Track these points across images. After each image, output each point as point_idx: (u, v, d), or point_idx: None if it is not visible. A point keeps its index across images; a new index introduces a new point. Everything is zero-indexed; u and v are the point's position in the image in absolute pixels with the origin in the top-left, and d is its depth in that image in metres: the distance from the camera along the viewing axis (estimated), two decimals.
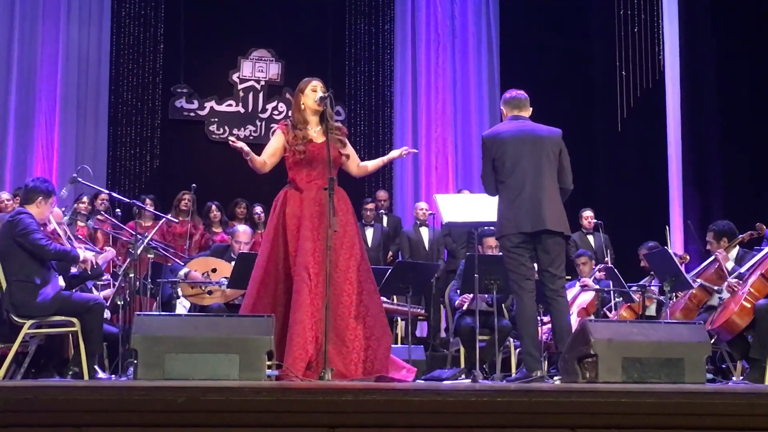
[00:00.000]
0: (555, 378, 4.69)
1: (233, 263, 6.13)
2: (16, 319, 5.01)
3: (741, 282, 5.71)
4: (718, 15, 9.52)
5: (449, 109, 10.89)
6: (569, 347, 4.41)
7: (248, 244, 6.63)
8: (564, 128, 5.00)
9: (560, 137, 4.93)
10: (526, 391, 2.76)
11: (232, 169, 9.71)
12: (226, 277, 6.12)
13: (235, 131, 10.35)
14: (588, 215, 8.57)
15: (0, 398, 2.47)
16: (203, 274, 6.29)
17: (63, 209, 6.37)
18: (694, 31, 9.79)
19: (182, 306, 6.55)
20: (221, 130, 10.43)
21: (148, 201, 8.13)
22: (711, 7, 9.60)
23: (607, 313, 6.90)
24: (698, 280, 6.15)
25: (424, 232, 8.67)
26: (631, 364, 4.15)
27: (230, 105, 10.53)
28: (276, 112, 10.59)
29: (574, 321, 5.72)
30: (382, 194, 9.38)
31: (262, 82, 10.68)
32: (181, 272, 6.27)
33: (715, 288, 6.08)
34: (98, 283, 6.24)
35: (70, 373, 5.09)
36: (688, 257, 7.33)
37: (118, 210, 7.39)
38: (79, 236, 6.68)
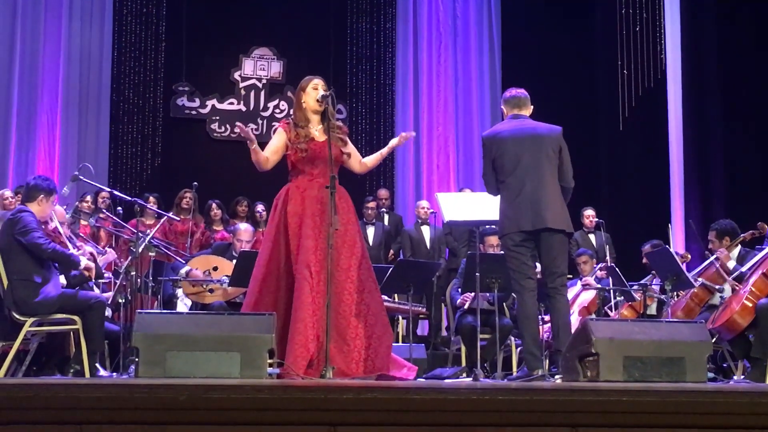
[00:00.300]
0: (556, 377, 4.68)
1: (234, 261, 6.13)
2: (17, 316, 5.01)
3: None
4: (720, 13, 9.51)
5: (451, 108, 10.89)
6: (570, 346, 4.41)
7: (249, 243, 6.63)
8: (565, 127, 4.99)
9: (560, 135, 4.92)
10: (527, 390, 2.76)
11: (234, 167, 9.74)
12: (227, 276, 6.12)
13: (236, 129, 10.35)
14: (589, 214, 8.57)
15: (1, 396, 2.47)
16: (204, 272, 6.29)
17: (65, 207, 6.37)
18: (696, 29, 9.79)
19: (183, 304, 6.56)
20: (223, 129, 10.44)
21: (152, 199, 8.12)
22: (712, 5, 9.59)
23: (609, 312, 6.89)
24: (699, 278, 6.14)
25: (426, 230, 8.67)
26: (633, 363, 4.14)
27: (232, 103, 10.54)
28: (278, 111, 10.60)
29: (575, 320, 5.72)
30: (383, 193, 9.38)
31: (264, 81, 10.68)
32: (183, 270, 6.28)
33: (717, 287, 6.07)
34: (99, 281, 6.23)
35: (72, 371, 5.09)
36: (689, 256, 7.33)
37: (119, 208, 7.39)
38: (81, 234, 6.68)
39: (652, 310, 6.84)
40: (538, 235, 4.75)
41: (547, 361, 5.45)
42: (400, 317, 7.50)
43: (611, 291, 6.86)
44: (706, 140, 9.57)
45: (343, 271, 4.46)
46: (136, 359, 4.03)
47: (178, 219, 7.72)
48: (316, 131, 4.65)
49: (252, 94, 10.63)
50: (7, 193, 7.50)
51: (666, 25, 10.12)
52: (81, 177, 6.13)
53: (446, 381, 4.95)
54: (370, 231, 8.61)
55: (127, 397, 2.49)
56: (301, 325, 4.28)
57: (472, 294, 6.41)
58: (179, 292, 6.49)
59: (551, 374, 4.80)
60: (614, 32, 10.03)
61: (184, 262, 6.46)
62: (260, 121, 10.53)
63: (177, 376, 3.88)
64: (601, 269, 7.23)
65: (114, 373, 5.39)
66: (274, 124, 9.89)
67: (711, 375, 5.27)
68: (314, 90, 4.66)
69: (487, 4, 11.12)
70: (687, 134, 9.81)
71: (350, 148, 4.79)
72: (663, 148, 10.08)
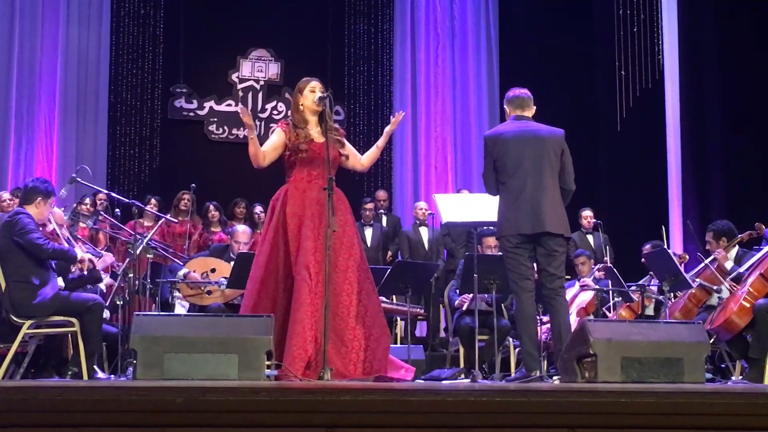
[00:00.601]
0: (554, 378, 4.69)
1: (232, 263, 6.12)
2: (15, 319, 5.00)
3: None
4: (718, 14, 9.52)
5: (449, 109, 10.89)
6: (568, 347, 4.41)
7: (247, 244, 6.62)
8: (563, 128, 4.99)
9: (562, 138, 4.91)
10: (525, 391, 2.76)
11: (232, 168, 9.75)
12: (225, 277, 6.11)
13: (234, 131, 10.37)
14: (587, 215, 8.57)
15: None
16: (202, 274, 6.29)
17: (63, 209, 6.37)
18: (694, 30, 9.80)
19: (181, 306, 6.55)
20: (221, 130, 10.43)
21: (153, 201, 8.12)
22: (710, 6, 9.60)
23: (607, 312, 6.89)
24: (697, 279, 6.15)
25: (424, 231, 8.67)
26: (631, 363, 4.14)
27: (230, 105, 10.53)
28: (275, 112, 10.60)
29: (573, 321, 5.71)
30: (381, 194, 9.37)
31: (262, 82, 10.68)
32: (180, 272, 6.27)
33: (715, 287, 6.08)
34: (99, 286, 6.22)
35: (69, 373, 5.09)
36: (687, 257, 7.33)
37: (117, 210, 7.38)
38: (79, 237, 6.67)
39: (650, 310, 6.85)
40: (536, 237, 4.76)
41: (545, 362, 5.45)
42: (399, 318, 7.49)
43: (609, 292, 6.86)
44: (704, 141, 9.58)
45: (341, 272, 4.46)
46: (134, 361, 4.03)
47: (176, 221, 7.72)
48: (315, 133, 4.65)
49: (250, 95, 10.63)
50: (5, 195, 7.49)
51: (663, 26, 10.13)
52: (78, 179, 6.13)
53: (444, 382, 4.95)
54: (368, 232, 8.61)
55: (125, 399, 2.48)
56: (300, 327, 4.28)
57: (470, 295, 6.41)
58: (177, 293, 6.48)
59: (549, 375, 4.81)
60: (612, 33, 10.05)
61: (181, 264, 6.46)
62: (258, 123, 10.51)
63: (175, 378, 3.88)
64: (599, 270, 7.23)
65: (112, 375, 5.39)
66: (272, 125, 9.89)
67: (709, 376, 5.28)
68: (311, 92, 4.66)
69: (484, 5, 11.13)
70: (685, 135, 9.82)
71: (348, 149, 4.80)
72: (661, 148, 10.10)
